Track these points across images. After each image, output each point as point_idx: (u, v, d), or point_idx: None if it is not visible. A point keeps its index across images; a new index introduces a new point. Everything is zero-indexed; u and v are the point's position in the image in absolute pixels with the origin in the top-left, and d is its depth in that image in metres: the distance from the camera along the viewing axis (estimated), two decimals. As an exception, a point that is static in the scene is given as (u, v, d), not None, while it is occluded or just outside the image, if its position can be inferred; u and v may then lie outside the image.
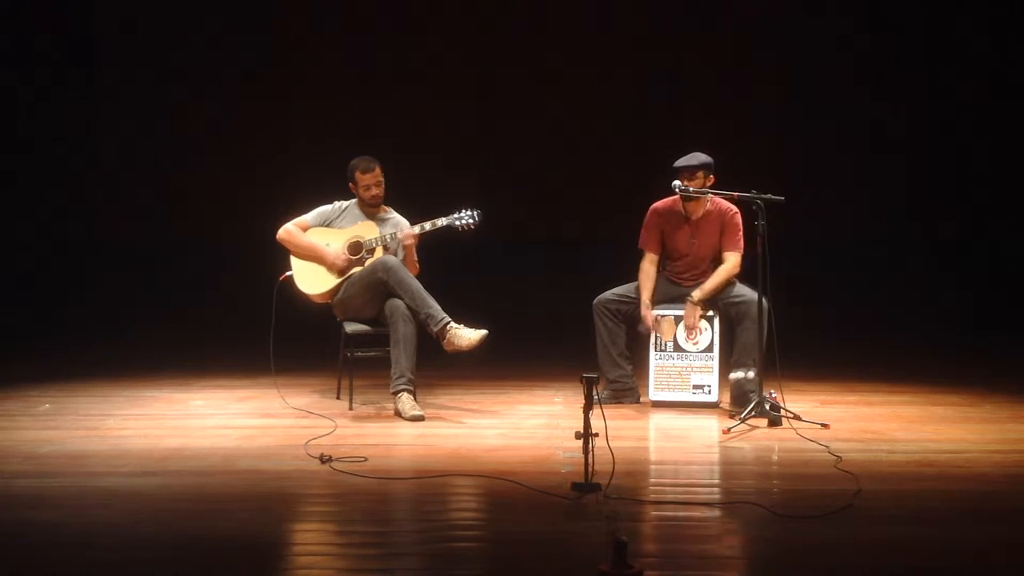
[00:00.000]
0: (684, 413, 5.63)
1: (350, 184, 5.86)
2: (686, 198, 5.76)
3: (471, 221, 5.75)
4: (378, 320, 5.67)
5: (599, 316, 5.85)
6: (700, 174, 5.66)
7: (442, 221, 5.73)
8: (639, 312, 5.79)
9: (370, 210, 5.87)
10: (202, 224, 9.09)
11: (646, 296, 5.77)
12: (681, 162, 5.67)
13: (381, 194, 5.84)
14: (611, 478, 4.05)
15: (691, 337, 5.74)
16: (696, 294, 5.72)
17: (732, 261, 5.77)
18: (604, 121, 9.13)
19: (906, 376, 6.68)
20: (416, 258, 5.83)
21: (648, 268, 5.85)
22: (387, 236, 5.75)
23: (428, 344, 5.60)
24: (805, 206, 8.47)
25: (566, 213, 9.13)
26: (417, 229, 5.73)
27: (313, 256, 5.77)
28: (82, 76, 8.99)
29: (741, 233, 5.79)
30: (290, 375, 6.32)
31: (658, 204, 5.94)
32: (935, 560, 3.42)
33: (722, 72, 9.09)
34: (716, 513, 3.93)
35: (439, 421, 5.41)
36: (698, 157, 5.67)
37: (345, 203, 5.92)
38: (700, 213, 5.84)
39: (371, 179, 5.78)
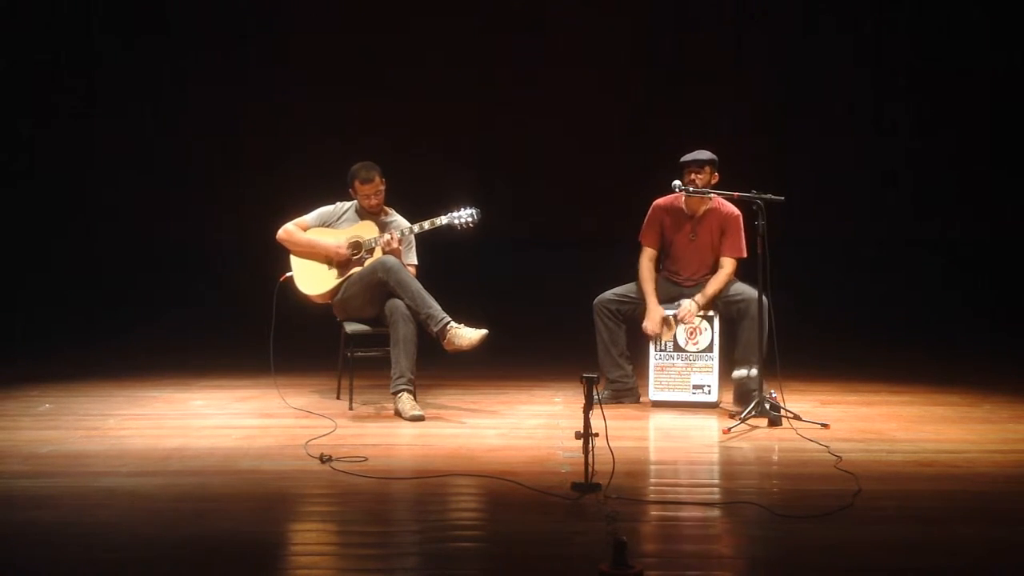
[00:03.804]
0: (684, 413, 5.63)
1: (350, 190, 5.86)
2: (688, 195, 5.77)
3: (470, 220, 5.75)
4: (378, 320, 5.67)
5: (599, 316, 5.85)
6: (707, 169, 5.68)
7: (441, 220, 5.74)
8: (640, 312, 5.79)
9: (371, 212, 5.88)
10: (202, 224, 9.08)
11: (653, 301, 5.76)
12: (689, 157, 5.69)
13: (381, 203, 5.84)
14: (611, 478, 4.05)
15: (692, 338, 5.74)
16: (699, 299, 5.71)
17: (730, 266, 5.78)
18: (604, 120, 9.13)
19: (906, 376, 6.68)
20: (416, 262, 5.84)
21: (647, 265, 5.85)
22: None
23: (428, 344, 5.60)
24: (805, 206, 8.48)
25: (566, 212, 9.12)
26: (416, 228, 5.74)
27: (313, 250, 5.76)
28: (81, 74, 8.98)
29: (744, 239, 5.79)
30: (290, 375, 6.32)
31: (661, 200, 5.95)
32: (935, 560, 3.42)
33: (722, 72, 9.08)
34: (716, 513, 3.93)
35: (439, 421, 5.41)
36: (705, 153, 5.69)
37: (346, 204, 5.92)
38: (702, 211, 5.85)
39: (370, 189, 5.77)
